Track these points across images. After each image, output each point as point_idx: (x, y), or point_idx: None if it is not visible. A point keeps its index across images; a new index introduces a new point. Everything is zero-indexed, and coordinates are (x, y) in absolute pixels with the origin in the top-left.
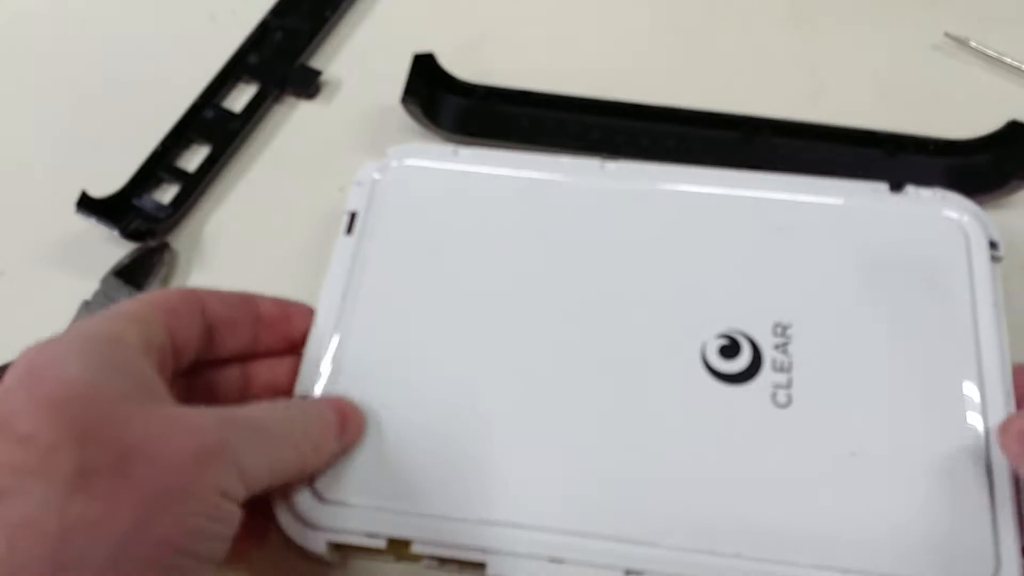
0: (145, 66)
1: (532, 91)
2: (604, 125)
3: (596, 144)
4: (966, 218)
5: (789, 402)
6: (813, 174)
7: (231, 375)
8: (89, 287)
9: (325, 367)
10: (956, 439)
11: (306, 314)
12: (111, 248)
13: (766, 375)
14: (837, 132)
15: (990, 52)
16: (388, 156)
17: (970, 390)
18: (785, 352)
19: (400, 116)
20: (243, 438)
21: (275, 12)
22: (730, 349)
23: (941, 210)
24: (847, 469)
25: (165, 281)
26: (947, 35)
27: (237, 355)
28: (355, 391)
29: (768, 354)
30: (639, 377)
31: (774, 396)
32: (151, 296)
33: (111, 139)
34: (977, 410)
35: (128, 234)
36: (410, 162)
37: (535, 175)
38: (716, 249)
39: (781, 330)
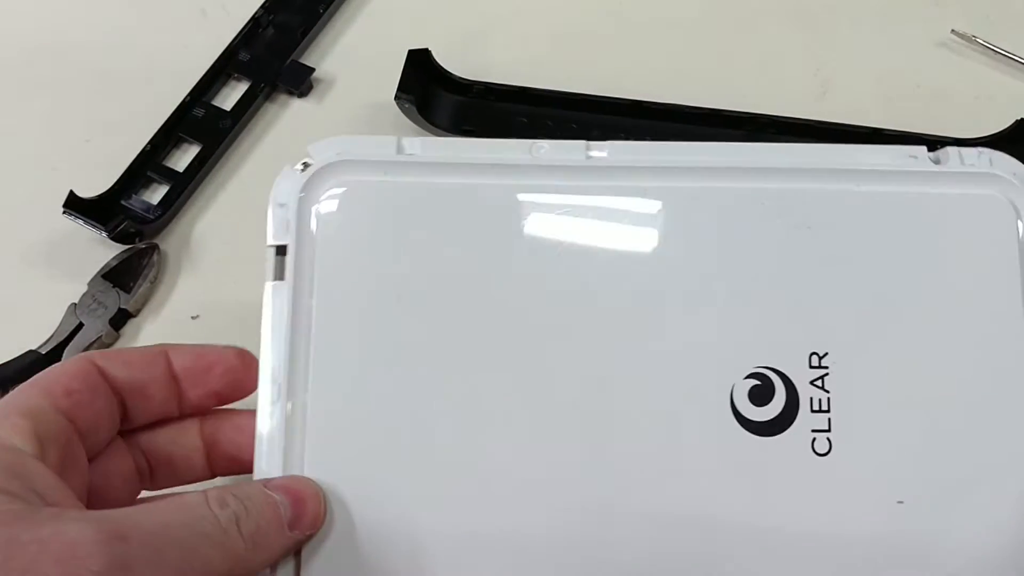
0: (133, 63)
1: (530, 88)
2: (605, 123)
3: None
4: (1018, 192)
5: (829, 449)
6: None
7: (188, 436)
8: (77, 290)
9: (278, 446)
10: (1013, 477)
11: (228, 359)
12: (99, 249)
13: (803, 419)
14: (842, 130)
15: (997, 49)
16: (313, 162)
17: None
18: (823, 387)
19: (395, 114)
20: (141, 554)
21: (267, 7)
22: (762, 391)
23: (989, 187)
24: (894, 520)
25: (154, 283)
26: (954, 32)
27: (160, 419)
28: (319, 471)
29: (804, 392)
30: (660, 435)
31: (813, 443)
32: (40, 381)
33: (99, 138)
34: None
35: (115, 236)
36: (343, 176)
37: (502, 180)
38: (735, 261)
39: (817, 360)
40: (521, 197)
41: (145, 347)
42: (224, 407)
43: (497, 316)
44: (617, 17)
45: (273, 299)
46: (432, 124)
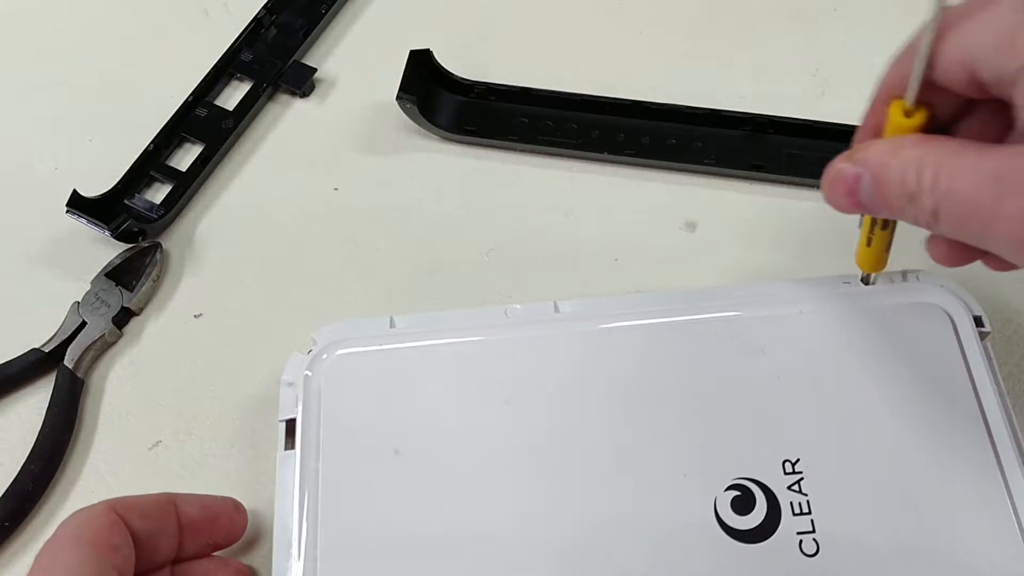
0: (136, 63)
1: (531, 88)
2: (605, 123)
3: (596, 143)
4: (948, 299)
5: (817, 549)
6: (818, 173)
7: None
8: (80, 288)
9: None
10: (996, 542)
11: (231, 512)
12: (103, 248)
13: (787, 523)
14: (841, 130)
15: None
16: (316, 344)
17: (995, 485)
18: (800, 490)
19: (396, 114)
20: None
21: (269, 8)
22: (743, 501)
23: (920, 298)
24: None
25: (157, 282)
26: None
27: (160, 565)
28: None
29: (784, 498)
30: (652, 555)
31: (800, 545)
32: (85, 536)
33: (102, 137)
34: (1008, 507)
35: (118, 235)
36: (343, 350)
37: (485, 336)
38: (699, 386)
39: (791, 466)
40: (499, 348)
41: (156, 496)
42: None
43: (490, 458)
44: (617, 17)
45: (285, 466)
46: (433, 124)
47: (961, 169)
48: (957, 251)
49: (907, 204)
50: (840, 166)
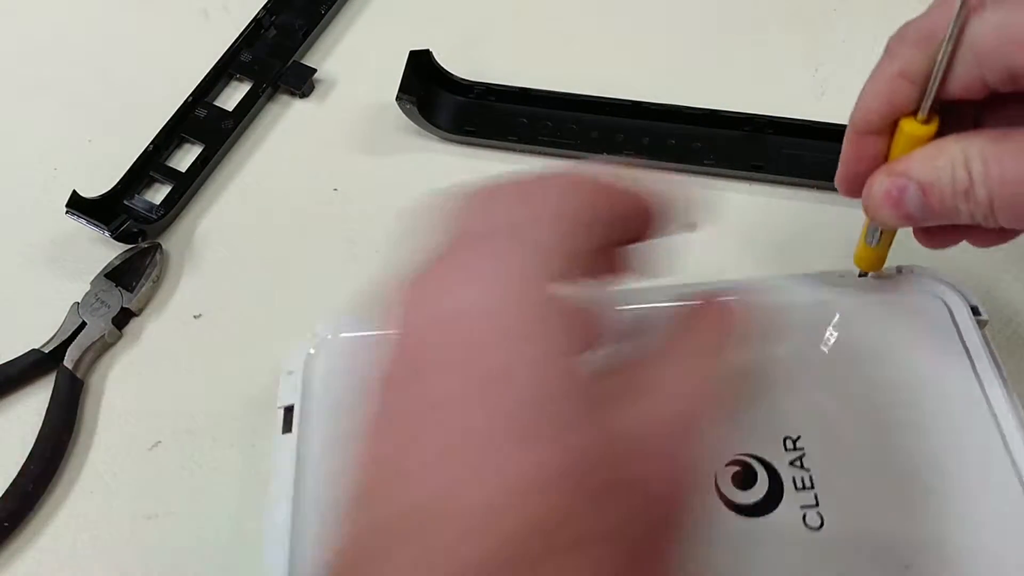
0: (136, 63)
1: (531, 89)
2: (604, 124)
3: (596, 143)
4: (943, 290)
5: (821, 522)
6: (817, 173)
7: None
8: (80, 289)
9: None
10: (1001, 512)
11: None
12: (102, 249)
13: (790, 497)
14: (841, 131)
15: None
16: (318, 335)
17: (1003, 466)
18: (802, 467)
19: (396, 114)
20: None
21: (268, 8)
22: (745, 476)
23: (917, 289)
24: None
25: (156, 283)
26: None
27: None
28: None
29: (786, 473)
30: None
31: (804, 519)
32: (573, 215)
33: (101, 138)
34: (1015, 478)
35: (118, 235)
36: (345, 333)
37: None
38: None
39: (792, 444)
40: None
41: (629, 187)
42: None
43: None
44: (616, 18)
45: (281, 450)
46: (433, 125)
47: (1008, 154)
48: (946, 232)
49: (962, 201)
50: (880, 181)
